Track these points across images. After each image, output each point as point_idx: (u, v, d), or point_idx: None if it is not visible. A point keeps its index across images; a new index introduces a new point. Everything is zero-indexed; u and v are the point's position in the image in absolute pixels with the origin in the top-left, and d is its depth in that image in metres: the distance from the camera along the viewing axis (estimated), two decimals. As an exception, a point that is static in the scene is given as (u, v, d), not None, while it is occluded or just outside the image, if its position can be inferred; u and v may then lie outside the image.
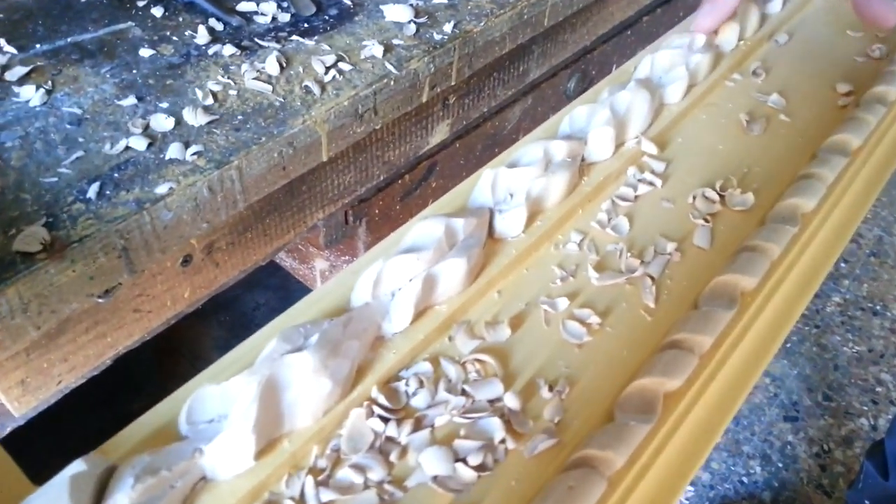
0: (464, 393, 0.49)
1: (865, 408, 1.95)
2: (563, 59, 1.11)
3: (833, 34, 0.87)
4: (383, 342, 0.51)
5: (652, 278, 0.59)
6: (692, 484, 1.78)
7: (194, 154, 0.61)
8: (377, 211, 0.95)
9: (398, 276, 0.52)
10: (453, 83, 0.83)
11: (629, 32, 1.30)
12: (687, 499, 1.76)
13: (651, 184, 0.67)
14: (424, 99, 0.80)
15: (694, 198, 0.66)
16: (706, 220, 0.64)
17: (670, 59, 0.73)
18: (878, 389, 2.00)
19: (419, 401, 0.49)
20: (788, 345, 2.10)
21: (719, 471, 1.81)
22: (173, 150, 0.61)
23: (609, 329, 0.55)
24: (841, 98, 0.78)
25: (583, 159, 0.66)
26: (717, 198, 0.66)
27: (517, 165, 0.61)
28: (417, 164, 0.98)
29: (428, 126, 0.91)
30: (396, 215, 1.00)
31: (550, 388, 0.51)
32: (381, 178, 0.89)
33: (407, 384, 0.50)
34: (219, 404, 0.45)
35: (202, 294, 0.75)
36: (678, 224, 0.64)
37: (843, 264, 2.26)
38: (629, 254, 0.60)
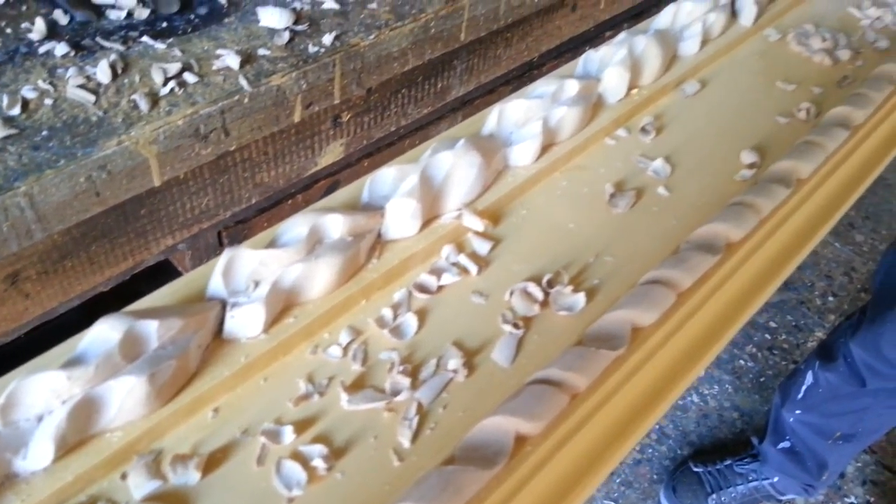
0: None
1: (835, 451, 1.81)
2: (498, 76, 1.02)
3: (759, 85, 0.72)
4: (13, 484, 0.40)
5: (420, 406, 0.47)
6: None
7: (-29, 176, 0.53)
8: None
9: (42, 399, 0.40)
10: (337, 101, 0.74)
11: (588, 48, 1.21)
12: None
13: (465, 270, 0.54)
14: (297, 118, 0.71)
15: (512, 293, 0.53)
16: (517, 327, 0.51)
17: (525, 112, 0.59)
18: (852, 435, 1.85)
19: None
20: (762, 379, 1.97)
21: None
22: (-58, 172, 0.53)
23: (339, 475, 0.43)
24: (742, 170, 0.63)
25: (379, 235, 0.53)
26: (540, 296, 0.53)
27: (276, 245, 0.49)
28: (313, 184, 0.90)
29: (314, 146, 0.82)
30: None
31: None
32: (254, 200, 0.81)
33: (35, 543, 0.38)
34: None
35: (10, 327, 0.67)
36: (482, 328, 0.51)
37: (830, 298, 2.09)
38: (402, 367, 0.48)
